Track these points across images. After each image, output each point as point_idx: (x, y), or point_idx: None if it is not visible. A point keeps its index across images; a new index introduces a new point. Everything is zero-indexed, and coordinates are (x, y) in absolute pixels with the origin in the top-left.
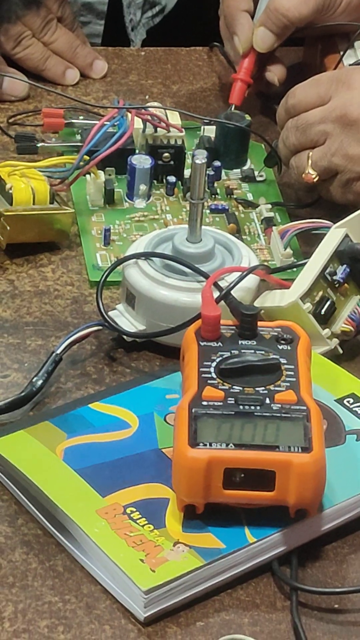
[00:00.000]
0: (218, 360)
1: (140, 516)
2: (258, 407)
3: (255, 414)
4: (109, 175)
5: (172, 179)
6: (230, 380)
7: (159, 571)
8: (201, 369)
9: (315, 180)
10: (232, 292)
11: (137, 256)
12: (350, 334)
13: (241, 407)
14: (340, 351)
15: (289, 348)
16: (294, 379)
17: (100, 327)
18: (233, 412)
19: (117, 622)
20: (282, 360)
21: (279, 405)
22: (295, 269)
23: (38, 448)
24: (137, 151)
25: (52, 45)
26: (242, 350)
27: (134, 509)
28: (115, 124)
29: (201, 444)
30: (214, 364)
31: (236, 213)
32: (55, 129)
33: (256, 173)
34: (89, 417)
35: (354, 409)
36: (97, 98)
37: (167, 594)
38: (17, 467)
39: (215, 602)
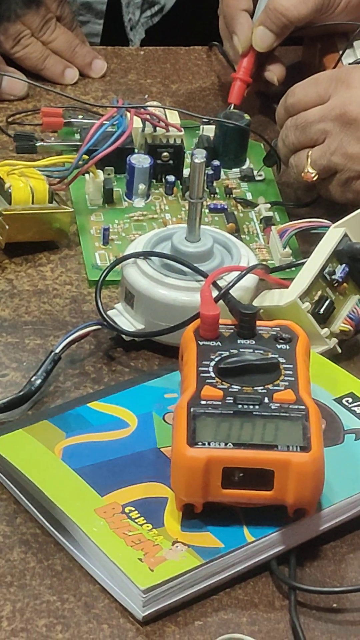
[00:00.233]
0: (217, 359)
1: (138, 515)
2: (257, 407)
3: (254, 413)
4: (108, 174)
5: (171, 178)
6: (229, 380)
7: (157, 570)
8: (200, 368)
9: (314, 179)
10: (231, 291)
11: (136, 255)
12: (349, 334)
13: (240, 406)
14: (339, 351)
15: (287, 347)
16: (293, 379)
17: (99, 327)
18: (232, 412)
19: (115, 621)
20: (281, 360)
21: (278, 405)
22: (294, 269)
23: (37, 447)
24: (136, 150)
25: (51, 45)
26: (241, 350)
27: (133, 508)
28: (115, 123)
29: (200, 443)
30: (212, 363)
31: (235, 212)
32: (54, 128)
33: (255, 172)
34: (88, 416)
35: (352, 408)
36: (96, 97)
37: (166, 593)
38: (15, 466)
39: (213, 601)
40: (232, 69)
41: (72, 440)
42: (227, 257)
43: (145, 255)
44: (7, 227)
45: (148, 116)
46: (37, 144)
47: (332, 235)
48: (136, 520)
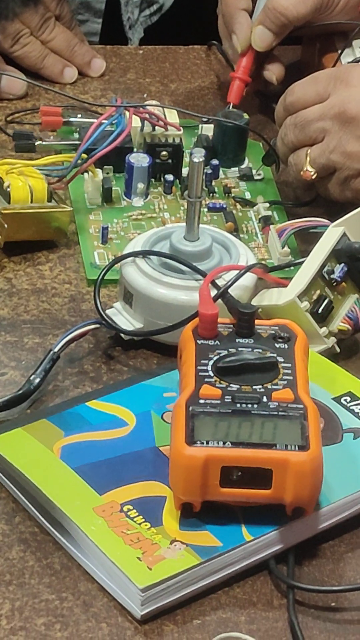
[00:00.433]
0: (215, 358)
1: (137, 514)
2: (255, 406)
3: (253, 412)
4: (107, 173)
5: (169, 177)
6: (228, 379)
7: (155, 569)
8: (198, 367)
9: (313, 177)
10: (229, 290)
11: (134, 254)
12: (348, 333)
13: (238, 405)
14: (338, 350)
15: (286, 346)
16: (291, 378)
17: (97, 325)
18: (230, 411)
19: (113, 620)
20: (280, 359)
21: (276, 404)
22: (292, 268)
23: (35, 446)
24: (135, 149)
25: (50, 44)
26: (240, 349)
27: (131, 507)
28: (113, 122)
29: (198, 442)
30: (211, 362)
31: (234, 211)
32: (53, 127)
33: (254, 172)
34: (87, 415)
35: (351, 407)
36: (95, 96)
37: (164, 592)
38: (14, 465)
39: (212, 600)
40: (231, 68)
41: (70, 439)
42: (225, 256)
43: (144, 254)
44: (5, 226)
45: (147, 115)
46: (36, 143)
47: (331, 235)
48: (135, 519)
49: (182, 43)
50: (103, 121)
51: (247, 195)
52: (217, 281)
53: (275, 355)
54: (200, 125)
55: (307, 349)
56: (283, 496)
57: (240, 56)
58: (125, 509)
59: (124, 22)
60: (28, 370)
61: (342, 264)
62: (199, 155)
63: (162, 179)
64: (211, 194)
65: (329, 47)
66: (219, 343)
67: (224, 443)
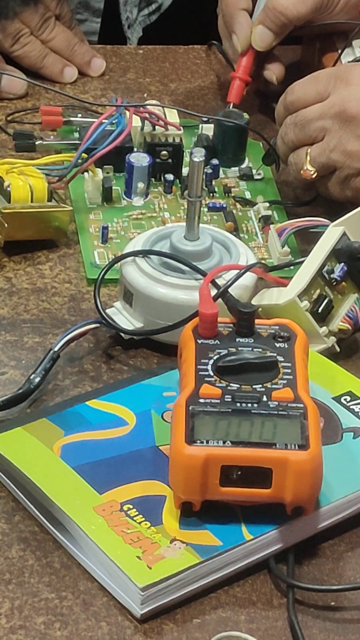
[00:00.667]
0: (215, 357)
1: (137, 513)
2: (255, 405)
3: (253, 411)
4: (107, 173)
5: (170, 177)
6: (228, 378)
7: (155, 568)
8: (198, 367)
9: (313, 176)
10: (229, 289)
11: (134, 254)
12: (348, 332)
13: (238, 404)
14: (338, 349)
15: (286, 346)
16: (291, 377)
17: (97, 325)
18: (230, 410)
19: (113, 618)
20: (280, 358)
21: (276, 403)
22: (292, 267)
23: (35, 445)
24: (135, 149)
25: (50, 43)
26: (240, 348)
27: (131, 506)
28: (114, 122)
29: (198, 442)
30: (211, 362)
31: (234, 211)
32: (53, 126)
33: (254, 171)
34: (87, 414)
35: (350, 406)
36: (95, 96)
37: (164, 591)
38: (14, 464)
39: (211, 599)
40: (231, 68)
41: (70, 438)
42: (225, 255)
43: (144, 253)
44: (6, 225)
45: (147, 115)
46: (37, 143)
47: (331, 234)
48: (134, 518)
49: (180, 42)
50: (103, 121)
51: (247, 195)
52: (217, 281)
53: (275, 354)
54: (200, 125)
55: (307, 348)
56: (283, 495)
57: (241, 56)
58: (125, 508)
59: (122, 22)
60: (28, 370)
61: (342, 264)
62: (199, 154)
63: (162, 178)
64: (211, 194)
65: (329, 47)
66: (219, 342)
67: (224, 442)
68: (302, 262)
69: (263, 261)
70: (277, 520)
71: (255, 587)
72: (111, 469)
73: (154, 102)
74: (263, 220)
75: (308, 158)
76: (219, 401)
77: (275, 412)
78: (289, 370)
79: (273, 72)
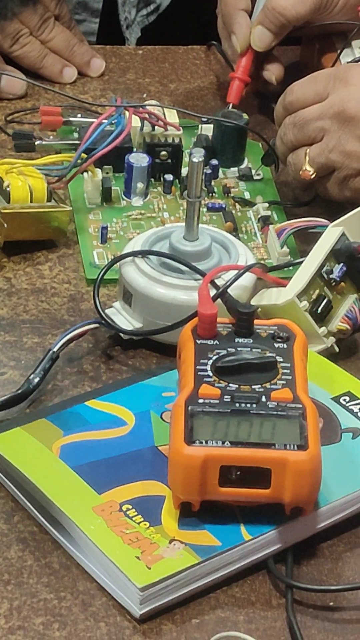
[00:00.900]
0: (214, 358)
1: (136, 513)
2: (254, 405)
3: (252, 411)
4: (107, 173)
5: (169, 177)
6: (227, 378)
7: (154, 568)
8: (197, 367)
9: (312, 177)
10: (228, 290)
11: (134, 254)
12: (347, 333)
13: (237, 404)
14: (337, 350)
15: (285, 346)
16: (290, 377)
17: (97, 325)
18: (229, 410)
19: (112, 619)
20: (279, 359)
21: (275, 403)
22: (291, 268)
23: (34, 445)
24: (134, 149)
25: (49, 44)
26: (239, 348)
27: (130, 506)
28: (113, 122)
29: (197, 442)
30: (210, 362)
31: (233, 211)
32: (53, 127)
33: (253, 172)
34: (86, 414)
35: (349, 407)
36: (95, 96)
37: (163, 591)
38: (13, 464)
39: (210, 599)
40: (230, 68)
41: (69, 438)
42: (225, 256)
43: (144, 254)
44: (5, 225)
45: (146, 115)
46: (36, 143)
47: (330, 235)
48: (133, 519)
49: (179, 43)
50: (103, 121)
51: (247, 195)
52: (216, 281)
53: (274, 355)
54: (199, 125)
55: (306, 348)
56: (282, 496)
57: (240, 56)
58: (124, 508)
59: (121, 22)
60: (27, 370)
61: (341, 264)
62: (198, 155)
63: (161, 178)
64: (210, 194)
65: (328, 47)
66: (218, 343)
67: (222, 442)
68: (301, 262)
69: (262, 261)
70: (276, 520)
71: (254, 587)
72: (110, 469)
73: (153, 102)
74: (262, 221)
75: (307, 158)
76: (218, 401)
77: (274, 413)
78: (288, 371)
79: (272, 72)
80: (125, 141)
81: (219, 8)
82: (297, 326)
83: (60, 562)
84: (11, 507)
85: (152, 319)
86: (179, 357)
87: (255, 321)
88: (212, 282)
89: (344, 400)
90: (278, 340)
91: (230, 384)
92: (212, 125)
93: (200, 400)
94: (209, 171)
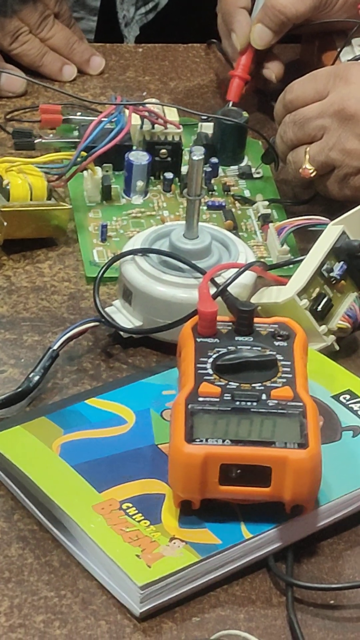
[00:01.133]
0: (214, 356)
1: (136, 512)
2: (254, 403)
3: (252, 410)
4: (106, 171)
5: (169, 175)
6: (227, 376)
7: (154, 567)
8: (198, 365)
9: (312, 175)
10: (228, 288)
11: (134, 252)
12: (347, 331)
13: (237, 403)
14: (337, 348)
15: (285, 344)
16: (290, 375)
17: (97, 323)
18: (229, 408)
19: (112, 617)
20: (279, 357)
21: (275, 402)
22: (292, 266)
23: (34, 444)
24: (134, 147)
25: (49, 42)
26: (239, 347)
27: (130, 505)
28: (113, 120)
29: (197, 440)
30: (210, 360)
31: (233, 210)
32: (52, 125)
33: (253, 170)
34: (86, 412)
35: (350, 405)
36: (95, 94)
37: (163, 589)
38: (13, 463)
39: (210, 597)
40: (230, 66)
41: (70, 436)
42: (225, 254)
43: (143, 252)
44: (5, 223)
45: (146, 113)
46: (36, 141)
47: (330, 233)
48: (134, 517)
49: (177, 41)
50: (102, 119)
51: (247, 194)
52: (216, 279)
53: (274, 353)
54: (199, 123)
55: (306, 347)
56: (282, 494)
57: (240, 54)
58: (124, 506)
59: (119, 20)
60: (27, 368)
61: (342, 262)
62: (198, 153)
63: (161, 176)
64: (210, 192)
65: (328, 45)
66: (218, 341)
67: (223, 441)
68: (302, 260)
69: (262, 260)
70: (276, 518)
71: (255, 585)
72: (110, 467)
73: (153, 100)
74: (262, 219)
75: (307, 157)
76: (218, 400)
77: (275, 411)
78: (288, 369)
79: (272, 70)
80: (125, 139)
81: (218, 6)
82: (297, 324)
83: (60, 560)
84: (11, 506)
85: (152, 317)
86: (179, 355)
87: (256, 319)
88: (212, 280)
89: (344, 398)
90: (278, 338)
91: (231, 382)
92: (212, 124)
93: (201, 399)
94: (209, 169)
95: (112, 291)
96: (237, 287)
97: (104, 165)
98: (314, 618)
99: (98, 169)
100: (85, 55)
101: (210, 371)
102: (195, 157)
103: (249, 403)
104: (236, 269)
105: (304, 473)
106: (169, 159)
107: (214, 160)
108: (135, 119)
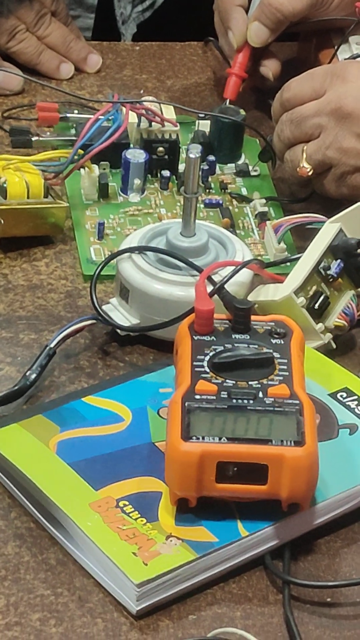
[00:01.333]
0: (211, 354)
1: (133, 509)
2: (251, 401)
3: (248, 407)
4: (104, 169)
5: (166, 173)
6: (224, 374)
7: (151, 564)
8: (194, 363)
9: (309, 173)
10: (225, 286)
11: (131, 250)
12: (344, 329)
13: (234, 401)
14: (334, 346)
15: (282, 342)
16: (287, 373)
17: (94, 321)
18: (226, 406)
19: (109, 615)
20: (276, 355)
21: (272, 399)
22: (289, 264)
23: (31, 441)
24: (131, 145)
25: (46, 40)
26: (236, 344)
27: (127, 503)
28: (110, 118)
29: (194, 438)
30: (207, 358)
31: (230, 207)
32: (49, 123)
33: (250, 168)
34: (83, 410)
35: (347, 403)
36: (92, 92)
37: (160, 587)
38: (10, 461)
39: (207, 595)
40: (227, 64)
41: (66, 434)
42: (222, 252)
43: (140, 250)
44: (2, 221)
45: (143, 111)
46: (33, 139)
47: (328, 231)
48: (130, 515)
49: (174, 39)
50: (100, 117)
51: (244, 191)
52: (213, 277)
53: (271, 351)
54: (196, 121)
55: (303, 344)
56: (279, 492)
57: (237, 52)
58: (121, 504)
59: (117, 18)
60: (24, 366)
61: (339, 260)
62: (195, 151)
63: (158, 174)
64: (207, 190)
65: (326, 43)
66: (215, 339)
67: (219, 439)
68: (299, 258)
69: (259, 257)
70: (273, 516)
71: (251, 583)
72: (107, 465)
73: (150, 98)
74: (259, 217)
75: (304, 155)
76: (214, 397)
77: (271, 409)
78: (285, 367)
79: (269, 68)
80: (122, 137)
81: (215, 4)
82: (294, 322)
83: (57, 558)
84: (8, 504)
85: (149, 315)
86: (175, 353)
87: (252, 317)
88: (209, 278)
89: (341, 396)
90: (275, 336)
91: (227, 380)
92: (209, 121)
93: (197, 397)
94: (206, 167)
95: (109, 289)
96: (234, 285)
97: (101, 163)
98: (311, 616)
99: (95, 166)
100: (83, 53)
101: (207, 369)
102: (192, 155)
103: (245, 401)
104: (233, 267)
105: (300, 471)
106: (166, 156)
107: (211, 158)
108: (133, 117)
